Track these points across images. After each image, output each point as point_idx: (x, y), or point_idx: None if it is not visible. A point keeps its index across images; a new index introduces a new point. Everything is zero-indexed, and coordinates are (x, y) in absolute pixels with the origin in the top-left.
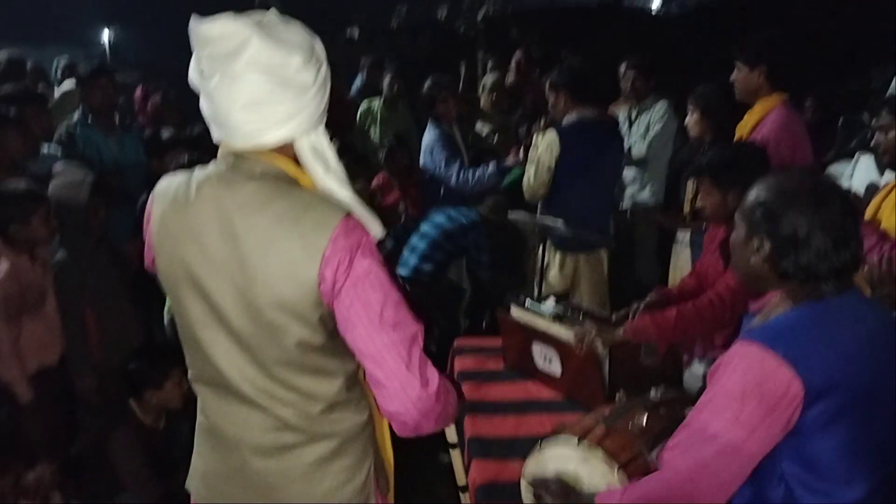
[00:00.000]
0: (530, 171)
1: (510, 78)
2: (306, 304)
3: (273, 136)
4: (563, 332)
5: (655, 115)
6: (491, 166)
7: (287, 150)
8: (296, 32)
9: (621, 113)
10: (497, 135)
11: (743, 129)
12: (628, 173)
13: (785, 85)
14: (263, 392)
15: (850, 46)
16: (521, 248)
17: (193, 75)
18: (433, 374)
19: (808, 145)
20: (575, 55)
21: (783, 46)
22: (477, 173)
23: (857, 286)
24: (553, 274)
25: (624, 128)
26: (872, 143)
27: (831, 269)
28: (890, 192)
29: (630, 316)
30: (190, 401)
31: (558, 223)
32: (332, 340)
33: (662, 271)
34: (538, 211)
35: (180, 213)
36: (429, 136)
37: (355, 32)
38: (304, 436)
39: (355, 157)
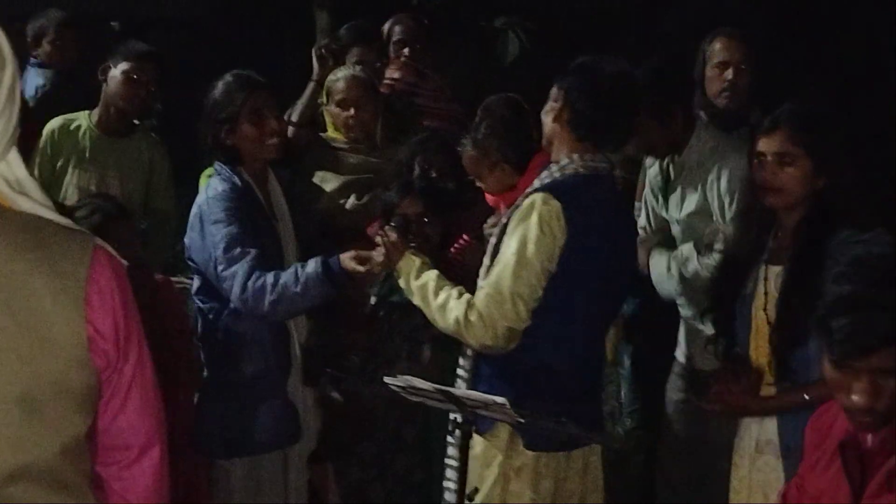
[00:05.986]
0: (502, 277)
1: (391, 71)
2: None
3: None
4: None
5: (726, 168)
6: (312, 265)
7: None
8: None
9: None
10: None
11: None
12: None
13: None
14: None
15: None
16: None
17: None
18: None
19: None
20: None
21: None
22: (283, 280)
23: None
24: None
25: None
26: None
27: None
28: None
29: None
30: None
31: (503, 405)
32: None
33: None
34: (464, 366)
35: None
36: (207, 195)
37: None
38: None
39: None
